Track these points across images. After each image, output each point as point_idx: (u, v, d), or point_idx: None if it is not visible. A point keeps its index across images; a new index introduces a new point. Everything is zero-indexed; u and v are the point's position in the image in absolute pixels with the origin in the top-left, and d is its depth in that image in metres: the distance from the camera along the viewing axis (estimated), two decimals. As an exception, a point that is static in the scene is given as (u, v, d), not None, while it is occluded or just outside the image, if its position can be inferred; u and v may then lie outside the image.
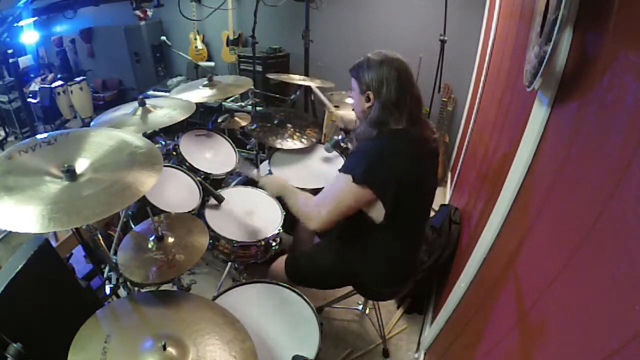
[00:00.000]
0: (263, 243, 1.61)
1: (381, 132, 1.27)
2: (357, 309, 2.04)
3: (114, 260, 1.20)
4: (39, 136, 1.07)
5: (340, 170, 1.29)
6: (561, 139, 0.84)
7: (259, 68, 3.27)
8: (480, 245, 1.21)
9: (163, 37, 2.61)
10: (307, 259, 1.57)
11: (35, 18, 2.65)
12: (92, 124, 1.53)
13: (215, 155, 2.10)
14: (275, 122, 2.23)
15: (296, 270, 1.53)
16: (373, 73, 1.25)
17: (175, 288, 1.39)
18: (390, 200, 1.22)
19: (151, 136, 2.01)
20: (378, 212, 1.26)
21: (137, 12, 2.86)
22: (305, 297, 1.36)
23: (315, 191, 1.94)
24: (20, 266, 1.07)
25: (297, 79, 2.31)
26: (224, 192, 1.80)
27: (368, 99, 1.28)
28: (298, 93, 2.45)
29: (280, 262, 1.57)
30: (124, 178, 0.96)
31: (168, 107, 1.61)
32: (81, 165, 1.00)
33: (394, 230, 1.31)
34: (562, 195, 0.78)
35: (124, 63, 3.98)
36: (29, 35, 3.25)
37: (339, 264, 1.46)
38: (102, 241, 1.11)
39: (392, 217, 1.25)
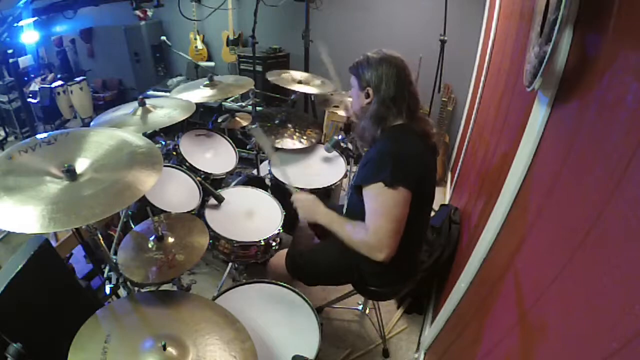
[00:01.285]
0: (263, 243, 1.61)
1: (384, 129, 1.28)
2: (357, 309, 2.04)
3: (114, 260, 1.20)
4: (39, 136, 1.07)
5: (365, 186, 1.22)
6: (561, 139, 0.84)
7: (259, 68, 3.27)
8: (480, 245, 1.21)
9: (163, 37, 2.61)
10: (309, 254, 1.56)
11: (35, 18, 2.64)
12: (92, 124, 1.53)
13: (215, 155, 2.10)
14: (276, 122, 2.23)
15: (297, 264, 1.52)
16: (373, 70, 1.27)
17: (175, 288, 1.39)
18: (415, 195, 1.20)
19: (151, 136, 2.01)
20: None
21: (137, 12, 2.86)
22: (305, 297, 1.36)
23: (315, 191, 1.95)
24: (20, 266, 1.07)
25: (297, 77, 2.30)
26: (224, 192, 1.80)
27: (367, 95, 1.30)
28: (298, 93, 2.45)
29: (279, 257, 1.57)
30: (124, 178, 0.96)
31: (168, 107, 1.61)
32: (81, 165, 1.00)
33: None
34: (562, 195, 0.78)
35: (124, 63, 3.98)
36: (29, 35, 3.23)
37: (341, 259, 1.45)
38: (102, 241, 1.11)
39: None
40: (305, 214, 1.38)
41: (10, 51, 3.33)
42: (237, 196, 1.82)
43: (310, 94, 3.01)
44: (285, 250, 1.60)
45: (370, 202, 1.21)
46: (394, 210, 1.17)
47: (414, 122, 1.30)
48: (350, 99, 1.54)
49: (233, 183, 2.08)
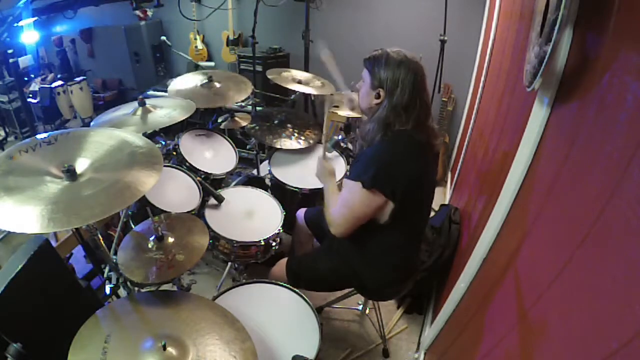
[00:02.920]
0: (263, 243, 1.61)
1: (386, 134, 1.26)
2: (357, 309, 2.04)
3: (114, 260, 1.20)
4: (39, 136, 1.07)
5: (349, 178, 1.28)
6: (561, 139, 0.84)
7: (259, 68, 3.27)
8: (480, 245, 1.21)
9: (163, 37, 2.61)
10: (309, 262, 1.56)
11: (35, 18, 2.64)
12: (92, 124, 1.53)
13: (215, 155, 2.10)
14: (275, 122, 2.23)
15: (297, 273, 1.52)
16: (390, 71, 1.23)
17: (175, 288, 1.39)
18: (398, 202, 1.22)
19: (151, 136, 2.01)
20: (385, 213, 1.26)
21: (137, 12, 2.86)
22: (305, 297, 1.36)
23: (315, 191, 1.95)
24: (20, 266, 1.07)
25: (298, 77, 2.30)
26: (224, 192, 1.80)
27: (378, 96, 1.27)
28: (298, 93, 2.45)
29: (281, 265, 1.57)
30: (124, 178, 0.96)
31: (168, 107, 1.61)
32: (81, 165, 1.00)
33: (396, 231, 1.31)
34: (562, 195, 0.78)
35: (124, 63, 3.97)
36: (29, 35, 3.22)
37: (340, 266, 1.46)
38: (102, 241, 1.11)
39: (396, 217, 1.25)
40: (319, 174, 1.53)
41: (10, 51, 3.32)
42: (237, 196, 1.82)
43: (311, 94, 3.02)
44: (286, 259, 1.60)
45: (345, 191, 1.29)
46: (358, 206, 1.24)
47: (419, 130, 1.27)
48: (355, 95, 1.52)
49: (233, 183, 2.08)
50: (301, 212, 1.84)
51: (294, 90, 2.24)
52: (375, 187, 1.20)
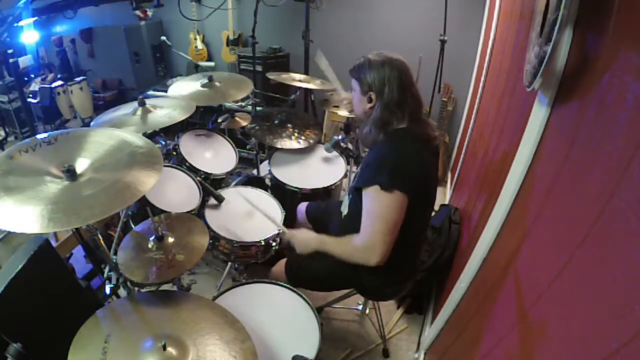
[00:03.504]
0: (263, 243, 1.61)
1: (387, 133, 1.27)
2: (357, 309, 2.04)
3: (114, 260, 1.20)
4: (39, 136, 1.07)
5: (362, 188, 1.23)
6: (561, 139, 0.84)
7: (259, 68, 3.27)
8: (480, 245, 1.21)
9: (163, 37, 2.61)
10: (309, 262, 1.56)
11: (35, 18, 2.64)
12: (92, 124, 1.53)
13: (215, 155, 2.10)
14: (275, 122, 2.24)
15: (297, 273, 1.52)
16: (375, 74, 1.25)
17: (175, 288, 1.39)
18: (413, 199, 1.21)
19: (151, 136, 2.01)
20: None
21: (137, 12, 2.86)
22: (305, 298, 1.36)
23: (315, 191, 1.95)
24: (20, 266, 1.07)
25: (297, 78, 2.31)
26: (224, 192, 1.80)
27: (370, 100, 1.29)
28: (298, 93, 2.45)
29: (281, 265, 1.57)
30: (124, 178, 0.96)
31: (168, 107, 1.61)
32: (81, 165, 1.00)
33: (400, 230, 1.30)
34: (562, 195, 0.78)
35: (124, 63, 3.97)
36: (29, 35, 3.23)
37: (341, 266, 1.45)
38: (102, 241, 1.11)
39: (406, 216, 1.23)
40: (300, 248, 1.39)
41: (10, 51, 3.32)
42: (237, 196, 1.82)
43: (311, 94, 3.03)
44: (286, 259, 1.59)
45: (366, 204, 1.22)
46: (388, 213, 1.18)
47: (417, 125, 1.28)
48: (347, 100, 1.55)
49: (233, 183, 2.08)
50: (302, 207, 1.82)
51: (294, 90, 2.24)
52: (395, 187, 1.16)
